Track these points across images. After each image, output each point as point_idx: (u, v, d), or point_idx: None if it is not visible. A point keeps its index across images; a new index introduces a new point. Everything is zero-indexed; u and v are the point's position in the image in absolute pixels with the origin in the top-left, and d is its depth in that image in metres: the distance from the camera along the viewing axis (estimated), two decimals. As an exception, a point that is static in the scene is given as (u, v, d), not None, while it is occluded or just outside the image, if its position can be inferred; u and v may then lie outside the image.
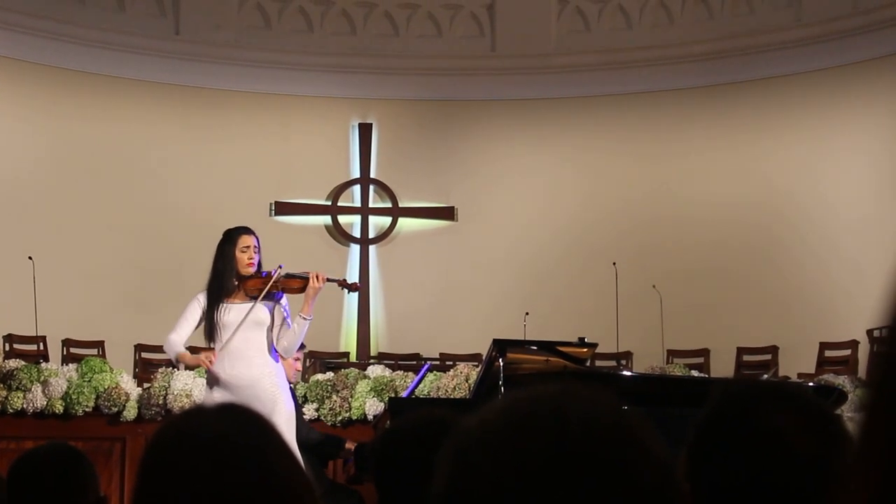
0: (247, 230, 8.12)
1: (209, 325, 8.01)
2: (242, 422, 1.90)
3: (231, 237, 8.09)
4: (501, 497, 1.27)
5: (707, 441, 2.04)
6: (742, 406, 2.05)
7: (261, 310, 7.96)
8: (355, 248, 16.48)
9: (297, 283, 8.05)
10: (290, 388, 8.54)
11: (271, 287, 7.93)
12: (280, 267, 8.02)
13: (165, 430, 1.94)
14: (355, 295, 15.56)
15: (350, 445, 9.59)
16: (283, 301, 8.07)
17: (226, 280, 7.95)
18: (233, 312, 7.92)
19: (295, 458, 1.92)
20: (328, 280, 8.17)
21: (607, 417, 1.30)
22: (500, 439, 1.28)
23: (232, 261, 7.98)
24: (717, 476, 2.00)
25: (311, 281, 8.02)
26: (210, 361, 7.87)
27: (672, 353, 14.98)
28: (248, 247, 8.01)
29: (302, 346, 8.98)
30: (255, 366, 7.87)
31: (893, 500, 1.02)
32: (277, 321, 8.00)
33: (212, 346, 8.09)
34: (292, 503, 1.87)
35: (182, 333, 8.00)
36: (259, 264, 8.03)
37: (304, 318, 7.95)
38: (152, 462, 1.89)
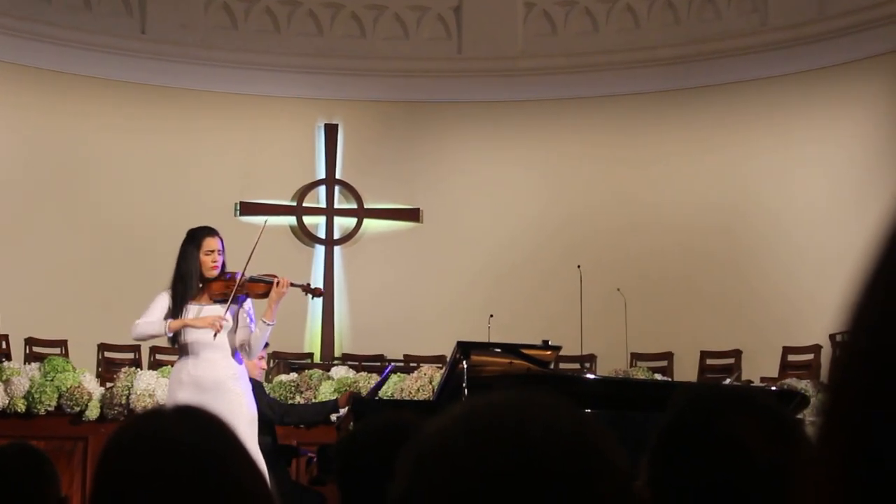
0: (211, 232, 7.99)
1: (173, 327, 7.96)
2: (201, 425, 1.89)
3: (195, 239, 7.97)
4: (460, 504, 1.26)
5: (669, 446, 2.04)
6: (704, 411, 2.05)
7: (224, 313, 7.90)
8: (320, 249, 16.45)
9: (261, 288, 7.99)
10: (259, 383, 8.52)
11: (236, 291, 7.87)
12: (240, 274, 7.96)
13: (123, 431, 1.92)
14: (320, 298, 15.51)
15: (342, 402, 9.78)
16: (248, 304, 8.01)
17: (189, 283, 7.87)
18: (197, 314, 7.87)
19: (254, 463, 1.91)
20: (292, 285, 8.13)
21: (567, 426, 1.29)
22: (459, 447, 1.27)
23: (195, 263, 7.89)
24: (678, 481, 2.00)
25: (274, 287, 7.96)
26: (220, 327, 7.79)
27: (636, 357, 15.01)
28: (212, 250, 7.89)
29: (266, 345, 8.96)
30: (220, 368, 7.82)
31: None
32: (241, 324, 7.94)
33: (175, 347, 8.05)
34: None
35: (152, 319, 7.88)
36: (223, 265, 7.96)
37: (267, 324, 7.88)
38: (109, 464, 1.87)
